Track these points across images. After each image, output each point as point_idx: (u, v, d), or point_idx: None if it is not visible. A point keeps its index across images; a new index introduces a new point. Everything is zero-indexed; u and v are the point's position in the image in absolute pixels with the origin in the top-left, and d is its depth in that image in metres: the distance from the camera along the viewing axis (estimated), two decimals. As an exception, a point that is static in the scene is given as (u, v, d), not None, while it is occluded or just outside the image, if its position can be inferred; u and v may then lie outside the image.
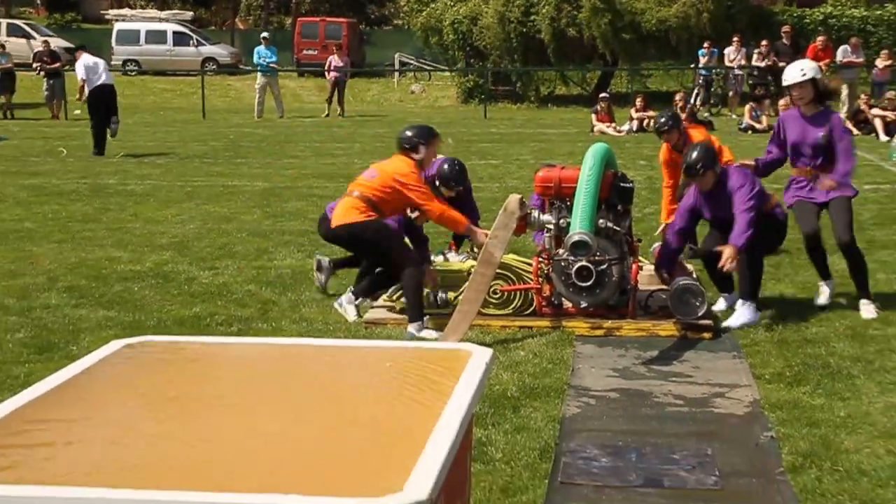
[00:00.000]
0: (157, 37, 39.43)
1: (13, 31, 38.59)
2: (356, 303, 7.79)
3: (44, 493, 2.45)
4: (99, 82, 19.15)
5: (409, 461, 2.55)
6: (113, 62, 37.54)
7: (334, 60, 29.29)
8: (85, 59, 19.35)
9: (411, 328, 7.30)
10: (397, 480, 2.44)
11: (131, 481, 2.50)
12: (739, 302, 7.65)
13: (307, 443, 2.81)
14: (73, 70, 20.36)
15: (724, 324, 7.50)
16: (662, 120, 9.50)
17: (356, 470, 2.60)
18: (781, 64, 25.09)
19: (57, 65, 28.18)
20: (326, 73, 30.09)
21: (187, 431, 2.92)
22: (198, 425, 2.97)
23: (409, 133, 7.76)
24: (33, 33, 38.32)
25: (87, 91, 19.21)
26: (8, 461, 2.67)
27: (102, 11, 48.17)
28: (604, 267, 7.35)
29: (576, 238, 7.00)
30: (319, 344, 3.93)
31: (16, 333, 7.31)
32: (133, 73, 38.53)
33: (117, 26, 40.28)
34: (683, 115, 23.79)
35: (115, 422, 3.01)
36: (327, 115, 28.49)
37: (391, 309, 7.82)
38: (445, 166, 8.35)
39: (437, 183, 8.26)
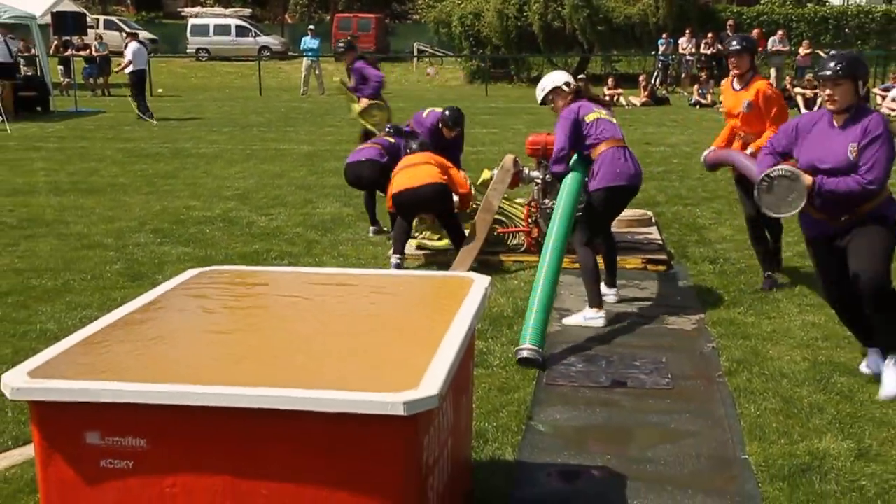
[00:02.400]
0: (222, 29, 39.02)
1: (108, 25, 38.14)
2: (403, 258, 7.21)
3: (136, 388, 2.47)
4: (140, 66, 19.58)
5: (423, 364, 2.56)
6: (188, 50, 37.38)
7: None
8: (133, 46, 19.61)
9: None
10: (414, 379, 2.45)
11: (199, 378, 2.51)
12: (888, 362, 4.67)
13: (341, 349, 2.83)
14: (156, 56, 20.35)
15: (879, 396, 4.59)
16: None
17: (380, 371, 2.61)
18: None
19: (143, 53, 27.96)
20: None
21: (243, 340, 2.94)
22: (252, 335, 2.99)
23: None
24: (124, 27, 37.96)
25: (130, 69, 19.44)
26: (108, 362, 2.69)
27: (179, 9, 47.73)
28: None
29: (523, 354, 5.05)
30: (353, 273, 3.93)
31: (113, 265, 7.34)
32: (204, 59, 38.22)
33: (191, 21, 39.90)
34: (645, 93, 23.90)
35: (190, 331, 3.03)
36: None
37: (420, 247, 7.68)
38: (447, 112, 8.19)
39: (440, 125, 8.14)
